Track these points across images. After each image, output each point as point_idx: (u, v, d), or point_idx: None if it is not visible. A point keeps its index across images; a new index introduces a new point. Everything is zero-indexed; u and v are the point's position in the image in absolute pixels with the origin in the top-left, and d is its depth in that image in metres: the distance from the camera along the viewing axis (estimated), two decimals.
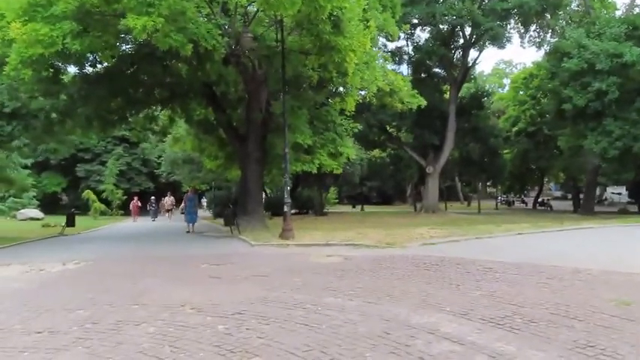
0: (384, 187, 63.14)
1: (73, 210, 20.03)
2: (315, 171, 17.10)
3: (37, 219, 33.47)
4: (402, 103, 18.77)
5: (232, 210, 15.40)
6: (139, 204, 33.64)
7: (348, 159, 19.29)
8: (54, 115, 13.50)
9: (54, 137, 16.22)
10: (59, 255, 11.87)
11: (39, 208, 39.51)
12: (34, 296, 6.86)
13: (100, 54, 11.34)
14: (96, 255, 11.74)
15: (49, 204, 45.40)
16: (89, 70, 14.76)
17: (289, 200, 13.14)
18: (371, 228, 16.60)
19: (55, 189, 45.58)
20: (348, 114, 17.49)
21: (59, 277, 8.51)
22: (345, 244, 11.52)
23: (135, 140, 46.05)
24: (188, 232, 17.51)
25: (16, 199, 38.08)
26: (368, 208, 45.96)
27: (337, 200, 49.48)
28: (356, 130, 20.11)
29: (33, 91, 13.37)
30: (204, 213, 38.79)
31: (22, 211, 35.89)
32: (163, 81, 15.95)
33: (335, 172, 17.93)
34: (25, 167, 40.72)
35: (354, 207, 51.20)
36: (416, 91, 20.01)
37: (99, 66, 14.78)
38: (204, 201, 47.79)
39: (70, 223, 19.51)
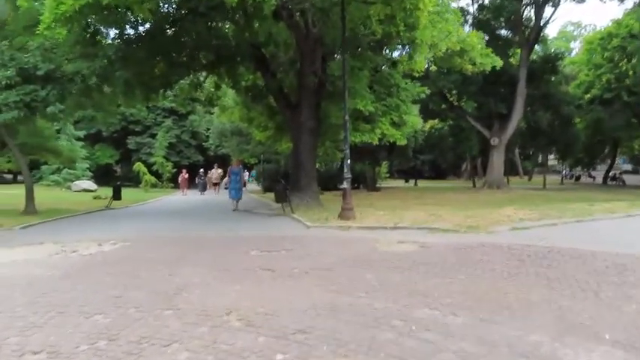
0: (438, 161, 60.55)
1: (119, 183, 19.22)
2: (375, 142, 15.32)
3: (90, 190, 33.58)
4: (474, 64, 16.51)
5: (283, 185, 13.92)
6: (187, 176, 32.91)
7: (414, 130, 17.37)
8: (92, 80, 12.34)
9: (93, 104, 15.17)
10: (98, 232, 10.85)
11: (92, 179, 39.92)
12: (51, 289, 5.61)
13: (136, 8, 9.90)
14: (136, 233, 10.62)
15: (102, 175, 45.95)
16: (129, 32, 13.48)
17: (349, 175, 11.50)
18: (439, 206, 14.76)
19: (108, 161, 46.04)
20: (417, 74, 15.45)
21: (88, 263, 7.30)
22: (417, 227, 9.79)
23: (183, 112, 45.76)
24: (234, 209, 16.05)
25: (70, 171, 38.48)
26: (421, 183, 43.77)
27: (388, 174, 47.46)
28: (423, 95, 17.95)
29: (69, 53, 12.28)
30: (252, 187, 37.93)
31: (77, 182, 36.20)
32: (208, 43, 14.48)
33: (398, 143, 16.04)
34: (79, 139, 41.32)
35: (406, 182, 49.04)
36: (490, 49, 17.63)
37: (140, 28, 13.53)
38: (246, 175, 47.00)
39: (117, 196, 18.74)
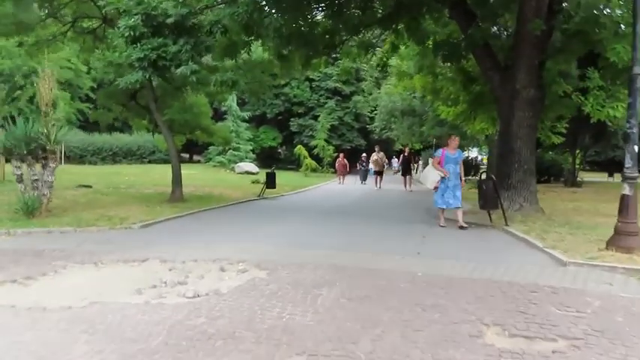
0: None
1: (273, 169, 16.44)
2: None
3: (252, 173, 32.57)
4: None
5: (493, 184, 9.20)
6: (346, 162, 27.82)
7: None
8: (236, 31, 9.29)
9: (239, 68, 12.30)
10: (233, 239, 7.67)
11: (255, 162, 39.40)
12: None
13: None
14: (280, 247, 7.15)
15: (265, 158, 45.67)
16: None
17: (636, 172, 6.46)
18: None
19: (272, 143, 45.45)
20: None
21: (181, 327, 3.81)
22: None
23: (347, 92, 43.01)
24: (442, 226, 9.61)
25: (235, 152, 38.30)
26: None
27: (579, 166, 38.86)
28: None
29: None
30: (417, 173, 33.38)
31: (240, 164, 35.69)
32: None
33: None
34: (244, 120, 41.18)
35: (610, 176, 39.75)
36: None
37: None
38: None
39: (271, 184, 15.99)
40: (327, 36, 12.89)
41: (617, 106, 8.95)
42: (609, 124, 24.96)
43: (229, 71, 12.24)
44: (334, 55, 15.60)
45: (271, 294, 4.77)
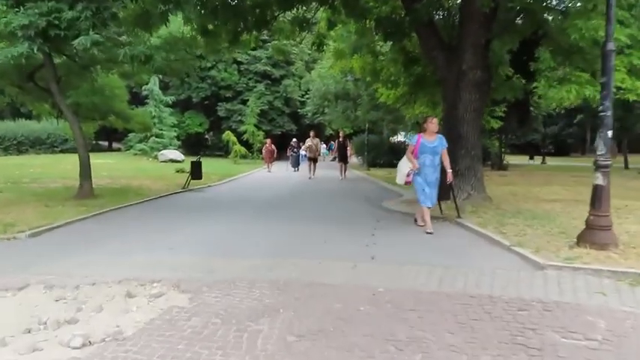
0: (561, 135, 51.75)
1: (199, 157, 14.88)
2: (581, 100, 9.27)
3: (177, 161, 30.41)
4: None
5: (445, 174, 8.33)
6: (273, 148, 25.87)
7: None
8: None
9: (161, 48, 10.68)
10: (148, 249, 6.24)
11: (180, 149, 37.06)
12: None
13: None
14: (208, 256, 5.85)
15: (192, 145, 43.32)
16: None
17: (607, 159, 5.79)
18: None
19: (198, 129, 43.03)
20: None
21: None
22: None
23: (276, 76, 41.49)
24: (429, 232, 7.53)
25: (157, 139, 35.74)
26: (549, 161, 36.21)
27: (504, 149, 40.20)
28: None
29: None
30: (352, 161, 32.67)
31: (163, 152, 33.26)
32: None
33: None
34: (168, 105, 38.50)
35: (531, 158, 41.44)
36: None
37: None
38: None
39: (196, 174, 14.45)
40: (257, 10, 11.51)
41: (570, 89, 8.42)
42: (531, 108, 25.54)
43: (143, 44, 10.52)
44: (265, 33, 14.16)
45: (194, 334, 3.52)
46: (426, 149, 7.47)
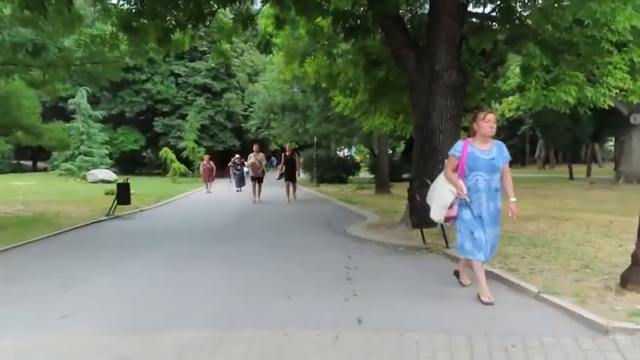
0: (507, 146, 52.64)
1: (125, 180, 12.67)
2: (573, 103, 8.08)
3: (109, 181, 27.54)
4: None
5: (427, 189, 6.76)
6: (212, 165, 23.07)
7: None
8: None
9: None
10: (29, 324, 4.20)
11: (113, 168, 33.97)
12: None
13: None
14: (122, 331, 3.92)
15: (126, 163, 40.27)
16: None
17: None
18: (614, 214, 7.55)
19: (133, 146, 39.95)
20: None
21: None
22: None
23: (217, 89, 39.43)
24: (465, 285, 4.85)
25: (86, 158, 32.55)
26: None
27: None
28: None
29: None
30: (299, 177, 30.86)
31: (93, 171, 30.11)
32: None
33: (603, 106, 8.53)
34: (98, 121, 35.31)
35: None
36: None
37: None
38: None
39: (123, 198, 12.25)
40: (191, 4, 9.67)
41: (569, 90, 7.19)
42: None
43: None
44: (203, 32, 12.29)
45: None
46: (480, 163, 4.50)
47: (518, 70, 9.97)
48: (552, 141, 30.68)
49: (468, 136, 4.77)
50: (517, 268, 5.48)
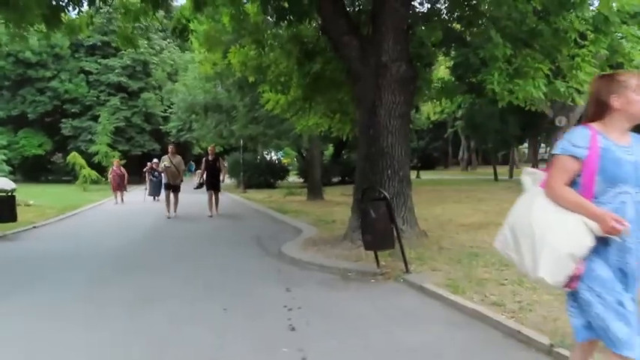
0: (428, 149, 53.52)
1: (11, 192, 10.43)
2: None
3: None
4: None
5: (387, 205, 5.43)
6: (123, 171, 19.75)
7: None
8: None
9: None
10: None
11: (12, 175, 30.11)
12: None
13: None
14: None
15: (30, 170, 36.29)
16: None
17: None
18: None
19: (37, 151, 35.93)
20: None
21: None
22: None
23: (134, 88, 36.50)
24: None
25: None
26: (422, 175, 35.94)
27: None
28: None
29: None
30: (224, 182, 28.83)
31: None
32: None
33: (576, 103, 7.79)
34: None
35: (417, 177, 41.43)
36: None
37: None
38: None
39: (5, 215, 10.04)
40: None
41: (537, 84, 6.29)
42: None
43: None
44: (105, 13, 10.32)
45: None
46: (626, 169, 2.26)
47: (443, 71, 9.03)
48: (482, 142, 31.05)
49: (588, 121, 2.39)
50: (504, 303, 4.34)
